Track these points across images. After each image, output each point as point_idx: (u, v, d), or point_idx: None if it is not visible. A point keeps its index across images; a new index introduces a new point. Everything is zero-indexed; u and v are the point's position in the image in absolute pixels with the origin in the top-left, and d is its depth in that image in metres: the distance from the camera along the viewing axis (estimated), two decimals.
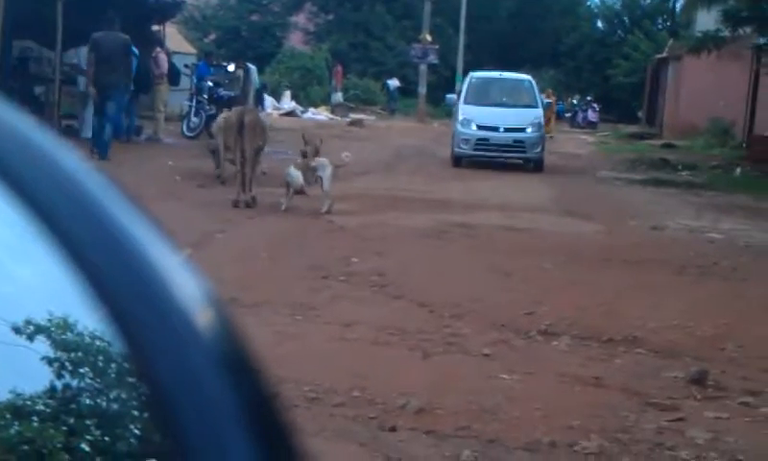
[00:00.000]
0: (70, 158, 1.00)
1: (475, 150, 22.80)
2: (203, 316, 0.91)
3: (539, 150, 23.04)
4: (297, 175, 13.54)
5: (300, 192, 13.69)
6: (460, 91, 26.21)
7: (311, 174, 13.66)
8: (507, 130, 22.91)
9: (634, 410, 5.86)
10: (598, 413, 5.81)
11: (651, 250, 11.81)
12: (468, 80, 25.63)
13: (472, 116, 23.15)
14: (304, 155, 14.15)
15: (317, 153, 14.16)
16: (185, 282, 0.93)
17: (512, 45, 52.85)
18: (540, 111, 24.17)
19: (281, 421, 0.92)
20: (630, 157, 28.37)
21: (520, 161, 23.02)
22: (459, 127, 23.18)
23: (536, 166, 22.77)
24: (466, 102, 24.07)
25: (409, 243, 11.47)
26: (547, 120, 28.89)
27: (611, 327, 7.69)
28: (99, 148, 17.69)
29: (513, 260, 10.55)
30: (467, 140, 22.87)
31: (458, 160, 22.88)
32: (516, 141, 22.93)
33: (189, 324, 0.89)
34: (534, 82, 25.81)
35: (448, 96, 30.10)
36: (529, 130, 23.11)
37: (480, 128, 22.90)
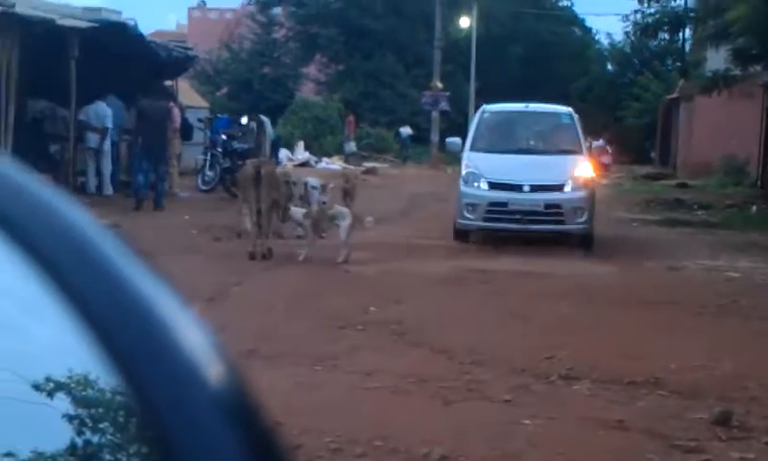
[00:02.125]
0: (81, 217, 1.00)
1: (486, 220, 15.57)
2: (210, 370, 0.90)
3: (584, 219, 15.43)
4: (297, 212, 13.79)
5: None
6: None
7: (327, 222, 13.71)
8: (535, 188, 15.48)
9: (658, 453, 5.80)
10: (622, 457, 5.76)
11: (669, 290, 11.75)
12: (478, 116, 17.71)
13: (482, 169, 15.88)
14: (346, 192, 16.38)
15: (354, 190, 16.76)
16: (193, 337, 0.92)
17: (522, 90, 52.78)
18: (585, 160, 16.39)
19: None
20: (645, 198, 28.33)
21: (555, 235, 15.74)
22: (462, 186, 16.01)
23: (582, 243, 15.54)
24: (474, 148, 16.59)
25: (426, 290, 11.44)
26: None
27: (632, 369, 7.63)
28: (156, 200, 19.90)
29: (530, 305, 10.51)
30: (473, 205, 15.60)
31: (462, 235, 15.94)
32: (549, 206, 15.41)
33: (197, 377, 0.88)
34: (576, 116, 17.58)
35: (449, 141, 19.16)
36: (569, 188, 15.57)
37: (493, 186, 15.62)
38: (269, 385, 6.96)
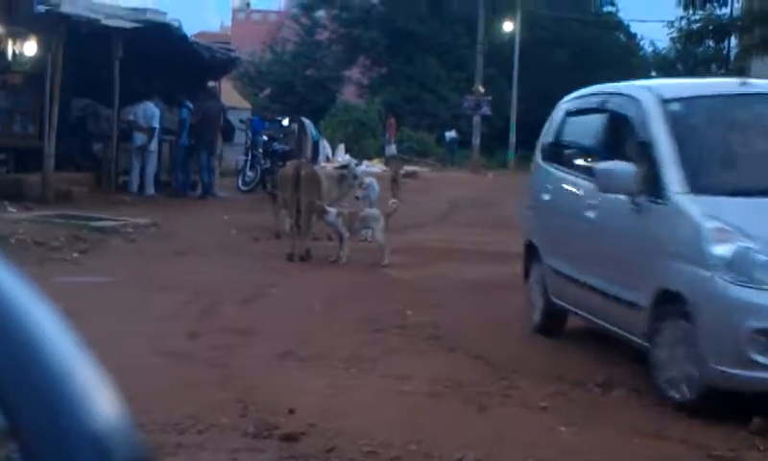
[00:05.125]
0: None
1: None
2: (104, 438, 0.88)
3: None
4: (331, 213, 13.64)
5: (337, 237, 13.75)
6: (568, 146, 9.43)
7: (359, 224, 13.76)
8: None
9: None
10: None
11: None
12: (659, 113, 7.80)
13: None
14: (394, 180, 17.84)
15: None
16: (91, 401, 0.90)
17: (565, 96, 52.71)
18: None
19: None
20: None
21: None
22: (726, 282, 6.68)
23: None
24: (700, 186, 7.29)
25: (464, 295, 11.40)
26: None
27: None
28: (209, 191, 22.16)
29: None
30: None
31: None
32: None
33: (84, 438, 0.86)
34: None
35: (611, 169, 7.72)
36: None
37: None
38: (304, 387, 6.98)
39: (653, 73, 65.58)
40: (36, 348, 0.90)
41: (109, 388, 0.93)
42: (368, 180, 16.72)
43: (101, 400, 0.92)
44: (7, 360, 0.90)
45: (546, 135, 9.96)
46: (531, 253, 9.80)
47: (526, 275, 9.96)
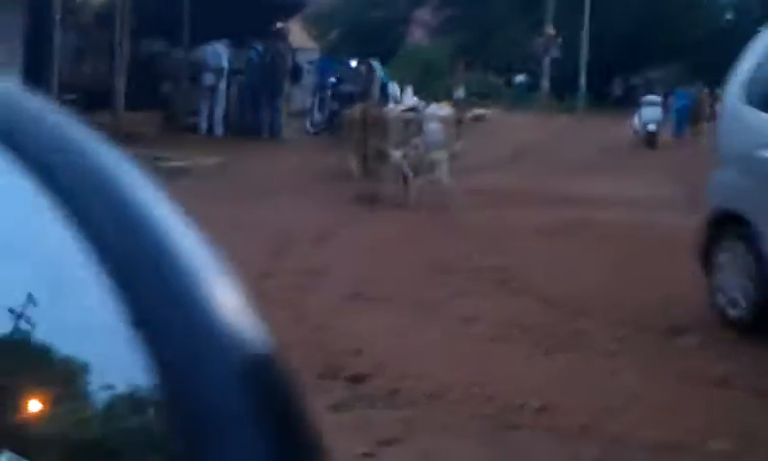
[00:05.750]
0: (107, 156, 0.97)
1: None
2: (238, 337, 0.88)
3: None
4: (396, 155, 13.50)
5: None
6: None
7: (426, 167, 13.70)
8: None
9: (762, 411, 5.69)
10: (725, 413, 5.66)
11: None
12: None
13: None
14: (459, 121, 16.61)
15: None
16: (223, 297, 0.90)
17: (637, 39, 51.88)
18: None
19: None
20: None
21: None
22: None
23: None
24: None
25: (531, 239, 11.34)
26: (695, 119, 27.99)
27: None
28: (274, 131, 22.23)
29: (637, 257, 10.33)
30: None
31: None
32: None
33: (221, 341, 0.86)
34: None
35: None
36: None
37: None
38: (371, 328, 7.02)
39: (728, 16, 64.35)
40: (162, 238, 0.91)
41: (237, 285, 0.94)
42: (431, 125, 16.60)
43: (228, 295, 0.92)
44: (131, 249, 0.91)
45: (758, 75, 7.57)
46: (726, 228, 7.56)
47: (706, 259, 7.81)
